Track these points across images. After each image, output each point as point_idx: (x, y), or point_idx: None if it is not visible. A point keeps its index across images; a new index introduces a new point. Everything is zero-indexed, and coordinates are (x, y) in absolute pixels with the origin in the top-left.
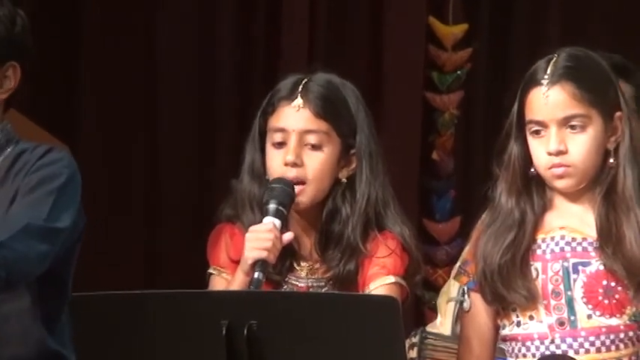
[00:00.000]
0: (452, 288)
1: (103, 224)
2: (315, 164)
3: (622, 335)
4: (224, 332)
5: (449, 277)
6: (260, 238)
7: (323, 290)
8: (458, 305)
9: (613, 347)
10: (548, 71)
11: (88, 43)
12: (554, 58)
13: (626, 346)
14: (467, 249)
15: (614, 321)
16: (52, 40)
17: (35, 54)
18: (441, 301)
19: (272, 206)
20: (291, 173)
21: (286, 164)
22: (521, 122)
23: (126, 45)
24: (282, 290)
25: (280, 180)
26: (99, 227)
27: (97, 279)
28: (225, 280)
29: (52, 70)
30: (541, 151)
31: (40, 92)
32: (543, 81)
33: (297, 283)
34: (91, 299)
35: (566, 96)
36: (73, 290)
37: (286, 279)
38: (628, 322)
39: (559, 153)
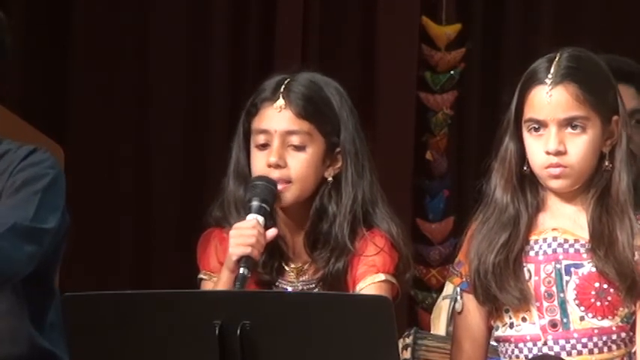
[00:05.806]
0: (447, 289)
1: (93, 225)
2: (299, 165)
3: (614, 337)
4: (217, 332)
5: (442, 277)
6: (243, 234)
7: (314, 291)
8: (453, 303)
9: (605, 349)
10: (552, 70)
11: (79, 43)
12: (557, 58)
13: (618, 347)
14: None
15: (606, 323)
16: (42, 40)
17: (26, 53)
18: (434, 315)
19: (255, 203)
20: (275, 175)
21: (269, 166)
22: (519, 120)
23: (118, 45)
24: (275, 290)
25: (262, 177)
26: (89, 228)
27: (87, 280)
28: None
29: (42, 70)
30: (539, 149)
31: (31, 92)
32: (547, 80)
33: (286, 285)
34: (85, 299)
35: (569, 97)
36: (63, 292)
37: (276, 282)
38: (620, 323)
39: (558, 153)
